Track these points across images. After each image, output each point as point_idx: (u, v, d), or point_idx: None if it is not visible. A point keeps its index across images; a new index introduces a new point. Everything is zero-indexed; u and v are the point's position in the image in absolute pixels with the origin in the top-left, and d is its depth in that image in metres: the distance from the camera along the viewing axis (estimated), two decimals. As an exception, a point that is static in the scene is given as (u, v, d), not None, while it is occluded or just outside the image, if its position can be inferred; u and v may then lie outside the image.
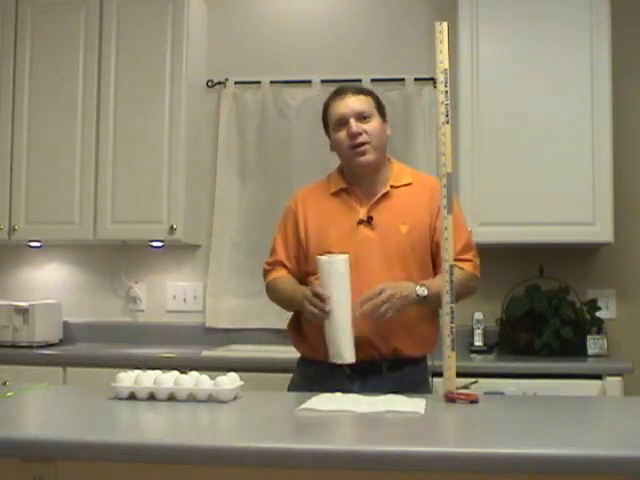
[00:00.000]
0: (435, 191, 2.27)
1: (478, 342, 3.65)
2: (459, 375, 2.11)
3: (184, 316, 4.01)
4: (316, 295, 2.28)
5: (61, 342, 3.85)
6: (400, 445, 1.62)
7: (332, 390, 2.20)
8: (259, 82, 3.96)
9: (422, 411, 1.92)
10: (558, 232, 3.47)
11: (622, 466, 1.51)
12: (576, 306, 3.60)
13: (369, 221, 2.45)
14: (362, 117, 2.46)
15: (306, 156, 3.87)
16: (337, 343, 2.29)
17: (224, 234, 3.96)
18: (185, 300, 4.02)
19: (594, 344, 3.51)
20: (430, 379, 2.57)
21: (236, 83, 4.00)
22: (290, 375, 2.57)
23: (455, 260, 2.21)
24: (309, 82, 3.93)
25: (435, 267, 2.47)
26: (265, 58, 4.02)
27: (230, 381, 2.08)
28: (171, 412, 1.98)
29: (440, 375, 2.15)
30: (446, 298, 2.10)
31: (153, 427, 1.91)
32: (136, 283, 4.04)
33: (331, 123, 2.52)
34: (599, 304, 3.61)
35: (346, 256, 2.30)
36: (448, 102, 2.15)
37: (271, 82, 3.95)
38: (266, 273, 2.61)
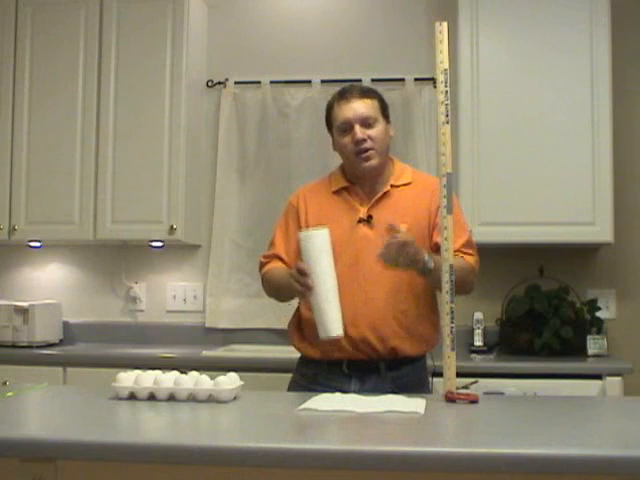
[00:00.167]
0: (435, 191, 2.27)
1: (478, 342, 3.64)
2: (459, 375, 2.11)
3: (184, 316, 4.01)
4: (299, 271, 2.26)
5: (61, 342, 3.84)
6: (400, 445, 1.63)
7: (332, 390, 2.19)
8: (259, 82, 3.96)
9: (422, 411, 1.92)
10: (558, 232, 3.47)
11: (622, 466, 1.51)
12: (576, 306, 3.60)
13: (369, 220, 2.45)
14: (367, 123, 2.44)
15: (306, 156, 3.88)
16: (323, 317, 2.22)
17: (224, 234, 3.96)
18: (185, 300, 4.02)
19: (594, 344, 3.51)
20: (430, 379, 2.57)
21: (236, 83, 4.00)
22: (290, 375, 2.57)
23: (456, 251, 2.21)
24: (309, 82, 3.92)
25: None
26: (265, 58, 4.02)
27: (230, 381, 2.08)
28: (171, 412, 1.98)
29: (440, 375, 2.15)
30: (446, 297, 2.10)
31: (153, 427, 1.91)
32: (136, 283, 4.04)
33: (335, 125, 2.50)
34: (599, 304, 3.61)
35: (325, 230, 2.26)
36: (448, 102, 2.15)
37: (271, 82, 3.95)
38: (262, 266, 2.59)
